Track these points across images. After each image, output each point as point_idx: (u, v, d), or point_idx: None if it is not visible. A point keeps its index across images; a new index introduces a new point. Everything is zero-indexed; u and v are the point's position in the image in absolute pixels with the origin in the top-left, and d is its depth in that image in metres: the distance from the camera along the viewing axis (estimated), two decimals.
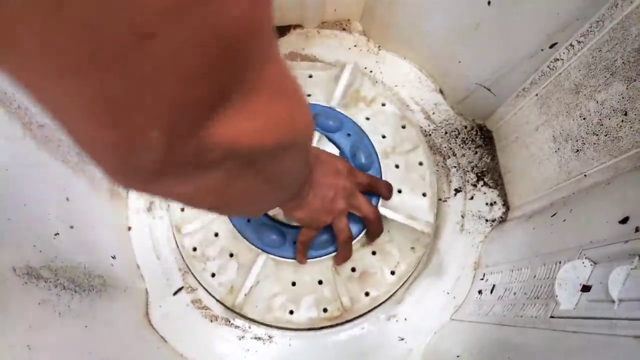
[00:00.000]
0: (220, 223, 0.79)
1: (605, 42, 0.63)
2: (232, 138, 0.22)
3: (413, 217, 0.80)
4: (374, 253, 0.79)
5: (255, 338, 0.78)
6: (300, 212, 0.58)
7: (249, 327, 0.78)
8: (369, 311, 0.79)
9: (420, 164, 0.85)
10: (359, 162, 0.82)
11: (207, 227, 0.79)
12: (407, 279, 0.80)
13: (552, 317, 0.54)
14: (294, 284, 0.77)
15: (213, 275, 0.77)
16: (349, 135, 0.84)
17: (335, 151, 0.81)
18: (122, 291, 0.71)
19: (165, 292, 0.79)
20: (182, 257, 0.79)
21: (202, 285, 0.78)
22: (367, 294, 0.77)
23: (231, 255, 0.78)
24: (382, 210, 0.79)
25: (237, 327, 0.78)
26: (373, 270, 0.78)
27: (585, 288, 0.52)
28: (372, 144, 0.84)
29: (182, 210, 0.80)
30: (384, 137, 0.86)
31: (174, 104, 0.18)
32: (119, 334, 0.67)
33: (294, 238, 0.77)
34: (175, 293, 0.79)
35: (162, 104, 0.18)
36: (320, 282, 0.77)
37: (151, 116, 0.18)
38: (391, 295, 0.79)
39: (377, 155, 0.83)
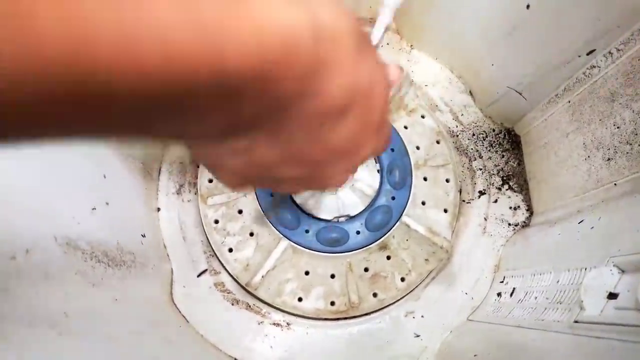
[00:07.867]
0: (246, 202, 0.81)
1: None
2: None
3: (433, 231, 0.81)
4: (388, 257, 0.81)
5: (274, 324, 0.79)
6: (272, 151, 0.26)
7: (269, 313, 0.80)
8: (374, 312, 0.81)
9: (447, 180, 0.86)
10: (393, 180, 0.83)
11: (232, 202, 0.82)
12: (415, 287, 0.81)
13: (576, 322, 0.54)
14: (307, 273, 0.79)
15: (230, 250, 0.79)
16: (392, 150, 0.85)
17: (372, 164, 0.82)
18: (150, 269, 0.73)
19: (189, 273, 0.81)
20: (203, 227, 0.81)
21: (218, 258, 0.80)
22: (375, 294, 0.79)
23: (251, 234, 0.80)
24: (406, 219, 0.81)
25: (257, 312, 0.80)
26: (384, 274, 0.79)
27: (612, 295, 0.52)
28: (411, 163, 0.84)
29: (210, 181, 0.83)
30: (417, 148, 0.87)
31: None
32: (145, 310, 0.69)
33: (314, 228, 0.78)
34: (199, 275, 0.81)
35: None
36: (332, 276, 0.79)
37: None
38: (397, 300, 0.81)
39: (412, 175, 0.84)
